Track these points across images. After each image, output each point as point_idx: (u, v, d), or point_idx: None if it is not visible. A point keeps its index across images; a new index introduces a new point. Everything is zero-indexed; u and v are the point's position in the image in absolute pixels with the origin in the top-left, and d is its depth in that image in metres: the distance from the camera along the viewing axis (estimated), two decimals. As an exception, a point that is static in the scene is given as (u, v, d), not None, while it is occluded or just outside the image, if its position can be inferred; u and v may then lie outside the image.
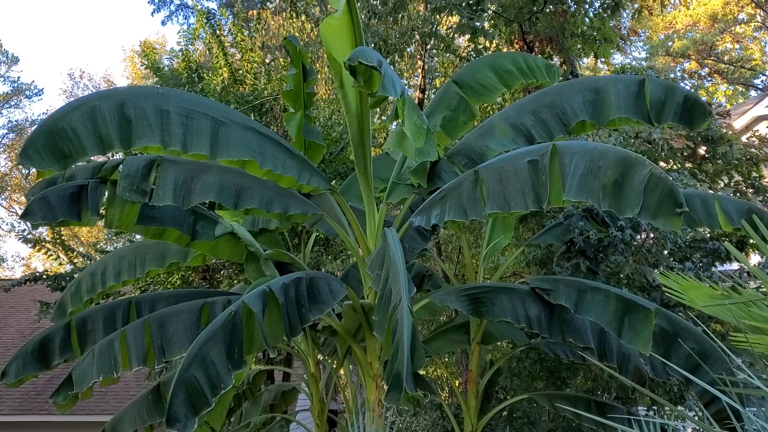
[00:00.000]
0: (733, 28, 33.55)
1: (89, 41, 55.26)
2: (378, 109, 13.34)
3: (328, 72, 11.46)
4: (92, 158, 6.34)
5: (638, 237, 6.39)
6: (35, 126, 4.12)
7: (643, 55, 29.57)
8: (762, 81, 33.55)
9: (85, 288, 6.46)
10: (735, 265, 8.75)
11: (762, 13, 33.49)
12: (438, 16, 9.64)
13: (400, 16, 9.53)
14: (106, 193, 5.18)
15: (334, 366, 6.47)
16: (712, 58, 32.16)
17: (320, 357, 6.95)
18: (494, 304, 5.49)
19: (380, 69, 4.46)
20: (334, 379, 6.45)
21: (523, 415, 7.69)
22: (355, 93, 5.23)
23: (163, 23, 30.17)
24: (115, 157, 7.36)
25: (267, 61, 13.94)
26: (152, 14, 32.99)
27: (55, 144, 4.10)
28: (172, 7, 23.46)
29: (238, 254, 6.16)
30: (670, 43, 34.26)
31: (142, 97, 4.47)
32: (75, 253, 12.43)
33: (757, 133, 9.05)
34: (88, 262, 11.90)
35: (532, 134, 5.39)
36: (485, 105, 6.31)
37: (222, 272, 11.04)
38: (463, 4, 8.82)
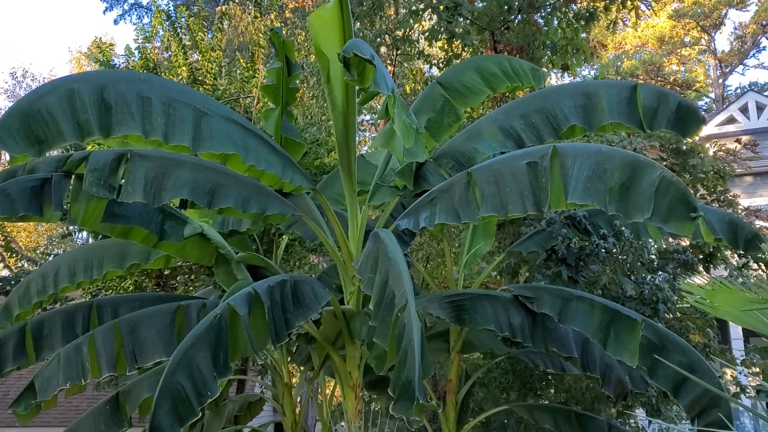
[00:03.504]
0: (679, 51, 34.64)
1: (33, 40, 53.46)
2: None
3: (304, 71, 11.19)
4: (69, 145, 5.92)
5: (620, 246, 6.33)
6: (9, 107, 3.74)
7: (593, 74, 30.17)
8: (705, 103, 34.72)
9: (35, 289, 6.02)
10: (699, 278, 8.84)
11: (707, 37, 34.68)
12: (412, 19, 9.50)
13: (378, 16, 9.36)
14: (71, 188, 4.84)
15: (309, 376, 6.19)
16: (659, 78, 33.08)
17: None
18: (477, 311, 5.33)
19: (374, 63, 4.26)
20: (309, 389, 6.16)
21: (499, 426, 7.53)
22: (341, 89, 5.01)
23: (116, 22, 29.30)
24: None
25: (227, 61, 13.59)
26: (104, 12, 32.12)
27: (30, 128, 3.75)
28: (126, 6, 22.80)
29: (207, 256, 5.84)
30: (619, 63, 35.14)
31: (123, 82, 4.15)
32: (19, 256, 11.81)
33: (724, 147, 9.20)
34: (34, 266, 11.31)
35: (522, 138, 5.26)
36: (469, 108, 6.11)
37: (178, 278, 10.61)
38: (441, 8, 8.72)
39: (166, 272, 10.86)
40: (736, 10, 34.34)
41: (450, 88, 6.00)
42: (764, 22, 33.38)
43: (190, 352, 3.53)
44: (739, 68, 35.81)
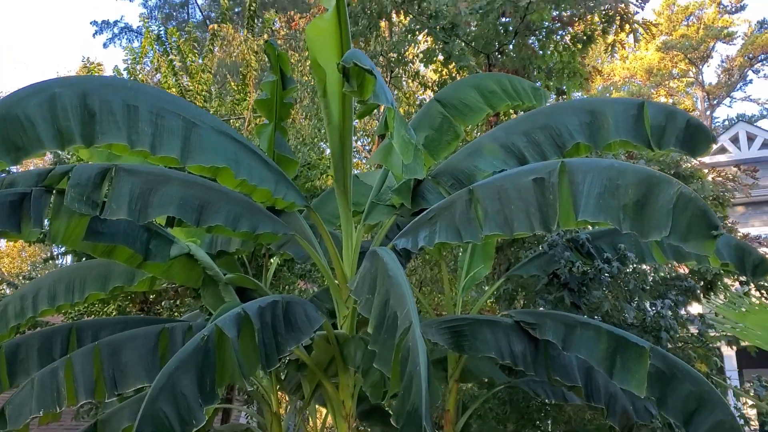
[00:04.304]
0: (667, 82, 34.95)
1: (21, 64, 53.29)
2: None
3: (297, 89, 11.01)
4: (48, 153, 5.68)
5: (625, 270, 6.12)
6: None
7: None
8: (693, 134, 34.82)
9: (12, 312, 5.74)
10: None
11: (694, 70, 35.05)
12: (409, 39, 9.38)
13: (374, 35, 9.23)
14: (51, 204, 4.58)
15: (299, 405, 5.89)
16: (648, 109, 33.21)
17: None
18: (477, 338, 5.09)
19: (374, 74, 4.07)
20: (298, 419, 5.86)
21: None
22: (338, 103, 4.81)
23: (105, 46, 29.17)
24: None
25: (218, 85, 13.44)
26: (94, 36, 31.86)
27: (7, 133, 3.49)
28: (116, 30, 22.70)
29: (194, 278, 5.58)
30: (607, 94, 35.39)
31: (108, 89, 3.91)
32: (0, 280, 11.46)
33: (723, 173, 9.07)
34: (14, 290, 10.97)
35: (525, 155, 5.07)
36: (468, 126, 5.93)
37: (163, 303, 10.28)
38: (438, 28, 8.60)
39: (150, 297, 10.55)
40: (724, 43, 34.82)
41: (449, 106, 5.81)
42: (751, 56, 33.82)
43: (174, 377, 3.25)
44: (727, 100, 36.20)
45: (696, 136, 4.77)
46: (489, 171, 5.11)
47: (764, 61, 34.31)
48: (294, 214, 5.53)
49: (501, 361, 5.08)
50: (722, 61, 35.90)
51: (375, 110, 4.46)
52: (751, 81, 35.96)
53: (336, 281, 5.13)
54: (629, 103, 5.02)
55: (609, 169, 3.79)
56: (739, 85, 35.44)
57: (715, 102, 35.92)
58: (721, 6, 34.74)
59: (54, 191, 4.55)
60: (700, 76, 35.96)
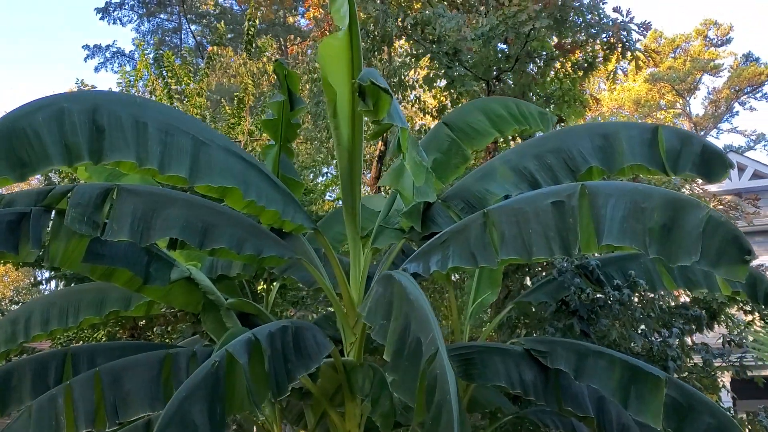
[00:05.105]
0: (655, 114, 35.31)
1: (11, 88, 53.11)
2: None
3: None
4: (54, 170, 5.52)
5: (634, 298, 6.01)
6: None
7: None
8: (680, 165, 35.14)
9: (3, 337, 5.56)
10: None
11: (681, 101, 35.47)
12: (413, 62, 9.37)
13: (378, 59, 9.21)
14: (51, 224, 4.43)
15: (303, 434, 5.69)
16: (636, 139, 33.51)
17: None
18: (486, 366, 4.95)
19: (390, 93, 3.98)
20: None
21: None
22: (348, 123, 4.71)
23: (96, 70, 29.14)
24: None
25: (213, 107, 13.35)
26: (85, 60, 31.82)
27: (13, 148, 3.35)
28: (107, 54, 22.64)
29: (193, 303, 5.42)
30: (596, 124, 35.67)
31: (117, 105, 3.79)
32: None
33: (725, 201, 9.05)
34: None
35: (537, 179, 4.98)
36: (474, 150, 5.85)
37: (155, 329, 10.05)
38: (440, 53, 8.57)
39: (141, 323, 10.32)
40: (710, 75, 35.34)
41: (456, 129, 5.74)
42: (737, 88, 34.30)
43: (184, 405, 3.08)
44: (713, 132, 36.58)
45: (712, 162, 4.70)
46: (500, 195, 5.01)
47: (750, 94, 34.81)
48: (298, 238, 5.40)
49: (512, 390, 4.94)
50: (709, 93, 36.42)
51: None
52: (737, 113, 36.44)
53: (343, 307, 4.98)
54: (643, 127, 4.96)
55: (633, 192, 3.70)
56: (725, 117, 35.89)
57: (702, 133, 36.25)
58: (708, 39, 35.32)
59: (54, 211, 4.41)
60: (687, 108, 36.41)
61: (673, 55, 35.62)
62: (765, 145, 34.89)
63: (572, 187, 3.95)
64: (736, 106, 35.40)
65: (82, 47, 22.32)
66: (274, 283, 6.38)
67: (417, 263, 4.53)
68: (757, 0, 55.59)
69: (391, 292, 3.87)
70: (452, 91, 8.87)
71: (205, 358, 4.56)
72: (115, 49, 22.76)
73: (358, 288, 5.00)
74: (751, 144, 34.80)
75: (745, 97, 34.90)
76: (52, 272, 10.46)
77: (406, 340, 3.36)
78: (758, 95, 34.61)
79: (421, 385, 3.02)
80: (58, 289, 10.87)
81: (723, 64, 35.11)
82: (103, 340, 9.74)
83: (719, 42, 35.24)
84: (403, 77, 9.67)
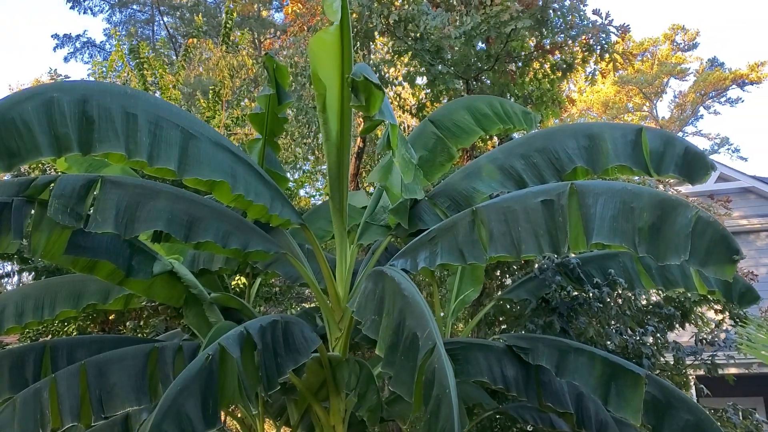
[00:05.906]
0: (622, 116, 35.85)
1: (-29, 75, 51.76)
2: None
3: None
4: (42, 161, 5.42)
5: (613, 296, 6.11)
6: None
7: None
8: (647, 167, 35.75)
9: (-26, 330, 5.42)
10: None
11: (648, 104, 36.08)
12: (394, 57, 9.36)
13: (361, 56, 9.18)
14: (33, 215, 4.34)
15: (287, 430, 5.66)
16: (604, 141, 33.99)
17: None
18: (469, 362, 5.00)
19: (383, 90, 3.99)
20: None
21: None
22: (337, 118, 4.69)
23: (66, 60, 28.57)
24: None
25: (185, 101, 13.18)
26: (54, 50, 31.17)
27: (2, 138, 3.29)
28: (78, 44, 22.19)
29: (175, 296, 5.37)
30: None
31: (107, 96, 3.73)
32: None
33: (698, 203, 9.22)
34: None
35: (523, 178, 5.03)
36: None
37: (127, 323, 9.90)
38: (423, 50, 8.59)
39: (111, 317, 10.16)
40: (677, 79, 35.99)
41: (442, 127, 5.77)
42: (702, 92, 34.98)
43: (179, 399, 3.05)
44: (679, 134, 37.23)
45: (694, 163, 4.80)
46: (487, 193, 5.06)
47: (714, 98, 35.53)
48: (283, 232, 5.37)
49: (494, 386, 5.00)
50: (675, 97, 37.07)
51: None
52: (702, 116, 37.17)
53: (329, 302, 4.98)
54: (627, 128, 5.04)
55: (622, 192, 3.76)
56: (691, 120, 36.56)
57: (668, 136, 36.92)
58: (675, 43, 35.96)
59: (36, 202, 4.32)
60: (654, 111, 37.04)
61: (640, 58, 36.17)
62: (729, 149, 35.62)
63: (562, 186, 4.00)
64: (701, 110, 36.13)
65: (51, 36, 21.90)
66: (257, 278, 6.34)
67: (405, 259, 4.54)
68: (723, 6, 56.85)
69: (382, 288, 3.88)
70: (433, 89, 8.91)
71: (191, 352, 4.54)
72: (85, 39, 22.34)
73: (344, 283, 5.00)
74: (716, 147, 35.52)
75: (709, 101, 35.61)
76: (21, 265, 10.24)
77: (401, 336, 3.37)
78: (722, 99, 35.36)
79: (419, 380, 3.04)
80: (29, 282, 10.63)
81: (689, 68, 35.82)
82: (74, 333, 9.57)
83: (686, 47, 35.92)
84: (382, 73, 9.67)
